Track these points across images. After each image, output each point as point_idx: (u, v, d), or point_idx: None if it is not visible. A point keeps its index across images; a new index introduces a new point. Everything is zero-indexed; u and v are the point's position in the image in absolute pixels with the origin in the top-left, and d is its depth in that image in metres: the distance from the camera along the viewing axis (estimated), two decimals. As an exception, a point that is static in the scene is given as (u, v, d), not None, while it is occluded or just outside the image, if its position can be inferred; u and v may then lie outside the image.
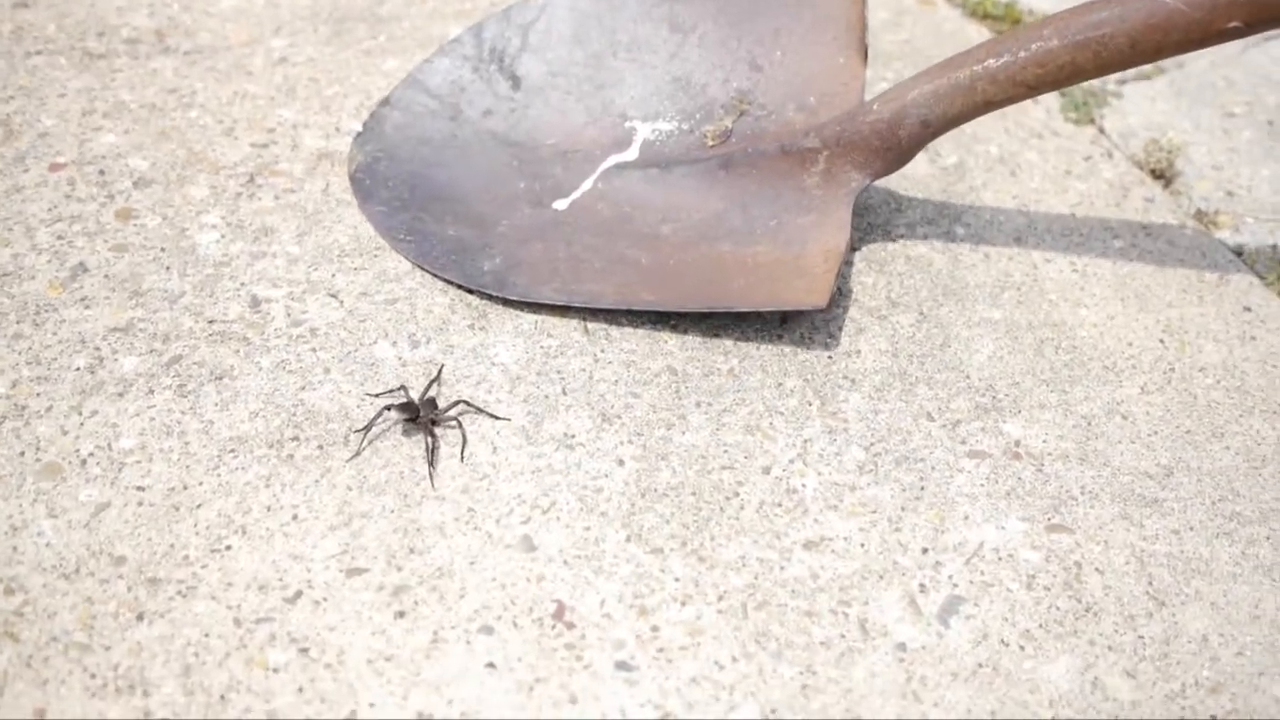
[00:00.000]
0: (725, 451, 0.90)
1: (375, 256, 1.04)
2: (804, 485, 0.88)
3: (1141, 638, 0.80)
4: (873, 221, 1.13)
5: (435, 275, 1.02)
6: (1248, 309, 1.07)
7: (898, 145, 1.04)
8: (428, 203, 1.10)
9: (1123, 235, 1.14)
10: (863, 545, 0.84)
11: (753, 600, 0.80)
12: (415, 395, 0.91)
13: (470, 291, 1.01)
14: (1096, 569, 0.84)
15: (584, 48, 1.22)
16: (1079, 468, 0.91)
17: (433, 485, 0.85)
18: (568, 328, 0.99)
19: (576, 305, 0.99)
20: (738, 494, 0.87)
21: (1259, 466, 0.93)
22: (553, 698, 0.73)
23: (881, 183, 1.18)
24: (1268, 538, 0.87)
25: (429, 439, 0.87)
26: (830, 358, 0.98)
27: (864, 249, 1.10)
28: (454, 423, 0.89)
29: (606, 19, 1.24)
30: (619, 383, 0.94)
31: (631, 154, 1.16)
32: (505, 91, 1.21)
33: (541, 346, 0.97)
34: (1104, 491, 0.90)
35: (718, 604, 0.79)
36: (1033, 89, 0.98)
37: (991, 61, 0.98)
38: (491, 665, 0.75)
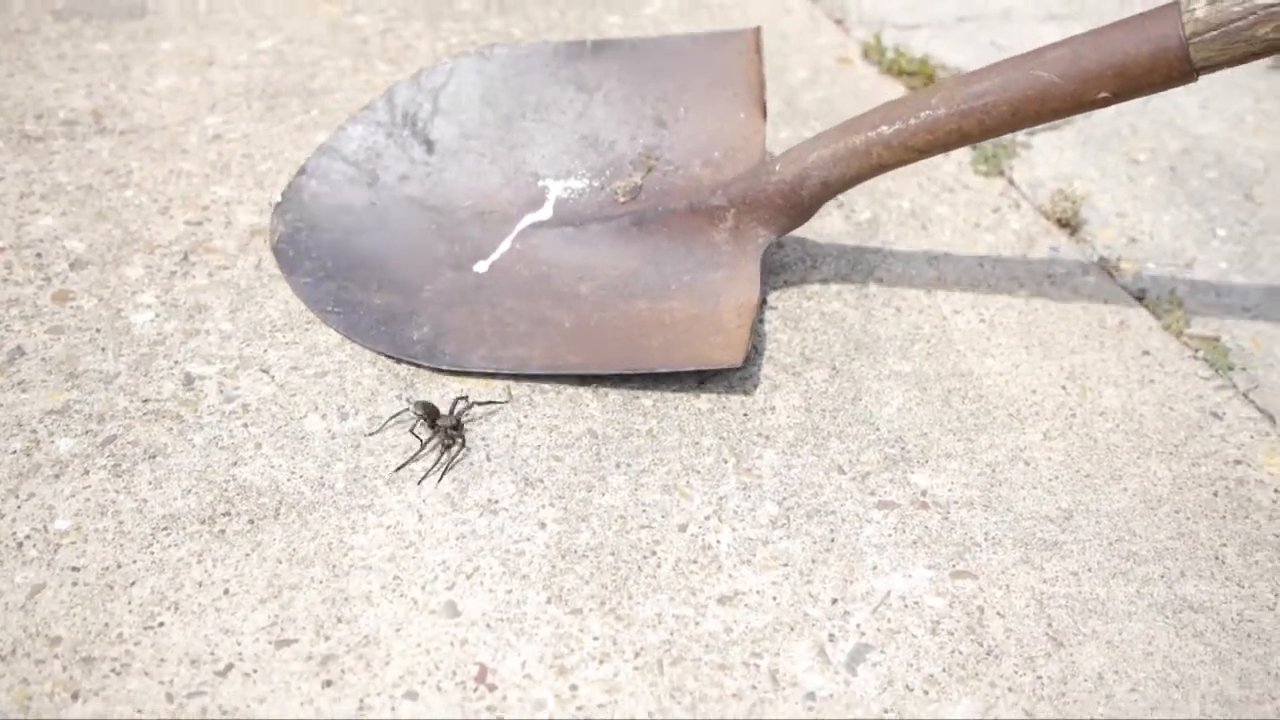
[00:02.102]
0: (644, 511, 0.93)
1: (306, 330, 1.07)
2: (719, 541, 0.92)
3: (1040, 678, 0.84)
4: (789, 279, 1.18)
5: (365, 347, 1.06)
6: (1146, 353, 1.12)
7: (800, 204, 1.09)
8: (352, 271, 1.13)
9: (1028, 284, 1.20)
10: (774, 598, 0.88)
11: (668, 656, 0.83)
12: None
13: (400, 361, 1.05)
14: (998, 613, 0.88)
15: (494, 109, 1.26)
16: (983, 514, 0.96)
17: (437, 484, 0.94)
18: (492, 394, 1.02)
19: (505, 372, 1.03)
20: (655, 552, 0.90)
21: (1155, 507, 0.97)
22: (475, 759, 0.77)
23: (798, 238, 1.23)
24: (1162, 576, 0.92)
25: (442, 443, 0.96)
26: (746, 415, 1.02)
27: (780, 306, 1.14)
28: (450, 444, 0.97)
29: (514, 81, 1.28)
30: (541, 447, 0.98)
31: (546, 213, 1.19)
32: (420, 156, 1.24)
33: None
34: (1006, 537, 0.94)
35: (634, 660, 0.83)
36: (923, 153, 1.04)
37: (885, 128, 1.04)
38: (416, 730, 0.78)
